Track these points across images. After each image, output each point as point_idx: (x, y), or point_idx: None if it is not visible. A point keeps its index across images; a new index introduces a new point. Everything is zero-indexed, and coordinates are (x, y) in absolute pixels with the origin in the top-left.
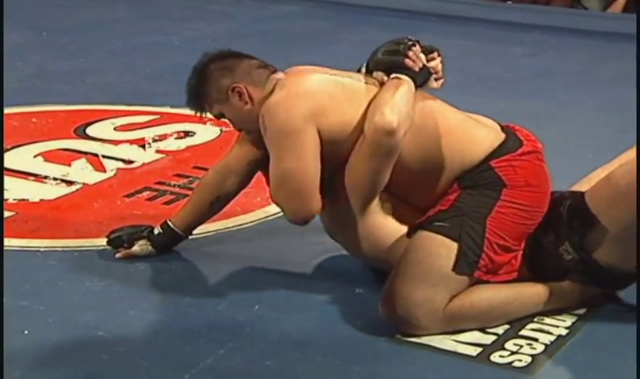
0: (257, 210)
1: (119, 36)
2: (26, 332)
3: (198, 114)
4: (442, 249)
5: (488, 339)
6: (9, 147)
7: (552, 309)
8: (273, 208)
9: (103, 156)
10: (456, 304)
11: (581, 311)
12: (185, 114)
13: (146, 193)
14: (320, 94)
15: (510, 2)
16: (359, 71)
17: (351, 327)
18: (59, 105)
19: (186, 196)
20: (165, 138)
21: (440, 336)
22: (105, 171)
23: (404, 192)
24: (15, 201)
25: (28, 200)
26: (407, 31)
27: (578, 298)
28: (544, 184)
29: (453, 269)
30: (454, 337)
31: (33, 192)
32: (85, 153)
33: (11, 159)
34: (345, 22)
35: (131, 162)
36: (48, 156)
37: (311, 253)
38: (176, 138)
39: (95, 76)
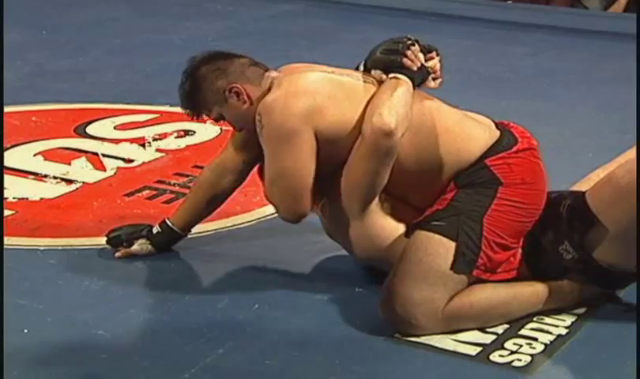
0: (257, 209)
1: (119, 35)
2: (25, 330)
3: (195, 119)
4: (440, 249)
5: (488, 338)
6: (9, 145)
7: (552, 309)
8: (273, 208)
9: (103, 155)
10: (455, 304)
11: (581, 310)
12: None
13: (146, 192)
14: (318, 93)
15: (510, 2)
16: (356, 69)
17: (350, 326)
18: (59, 104)
19: (186, 195)
20: (165, 137)
21: (439, 336)
22: (105, 170)
23: (402, 191)
24: (15, 200)
25: (27, 198)
26: (407, 30)
27: (578, 297)
28: (540, 181)
29: (452, 268)
30: (454, 336)
31: (33, 191)
32: (85, 152)
33: (11, 158)
34: (345, 21)
35: (131, 161)
36: (48, 155)
37: (311, 252)
38: (176, 137)
39: (95, 75)
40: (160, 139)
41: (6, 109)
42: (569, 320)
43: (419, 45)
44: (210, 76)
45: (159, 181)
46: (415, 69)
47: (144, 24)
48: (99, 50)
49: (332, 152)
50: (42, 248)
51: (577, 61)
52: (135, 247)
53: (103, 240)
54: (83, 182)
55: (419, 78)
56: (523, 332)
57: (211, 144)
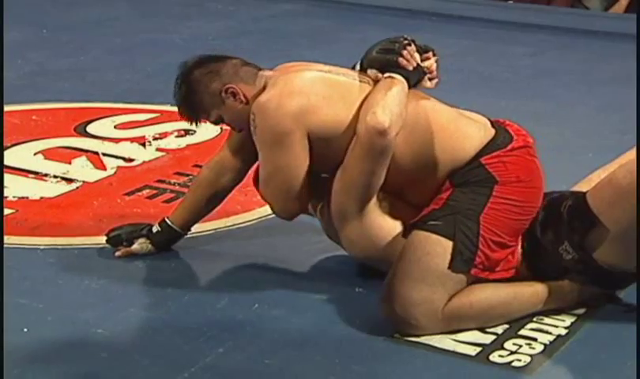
0: (257, 209)
1: (120, 34)
2: (25, 329)
3: (195, 124)
4: (437, 248)
5: (487, 338)
6: (9, 144)
7: (551, 309)
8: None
9: (104, 154)
10: (455, 304)
11: (581, 311)
12: None
13: (146, 191)
14: (312, 93)
15: (510, 2)
16: (353, 68)
17: (350, 326)
18: (59, 103)
19: (185, 194)
20: (165, 136)
21: (439, 336)
22: (105, 169)
23: (399, 189)
24: (15, 199)
25: (28, 197)
26: (407, 30)
27: (577, 297)
28: (536, 179)
29: (450, 267)
30: (453, 336)
31: (33, 189)
32: (86, 151)
33: (11, 157)
34: (345, 21)
35: (131, 160)
36: (48, 154)
37: (311, 251)
38: (176, 136)
39: (95, 74)
40: (161, 138)
41: (7, 108)
42: (568, 320)
43: (415, 45)
44: (204, 80)
45: (159, 181)
46: (410, 68)
47: (144, 24)
48: (100, 49)
49: (327, 152)
50: (42, 247)
51: (578, 62)
52: (135, 246)
53: (103, 239)
54: (83, 181)
55: (414, 78)
56: (523, 332)
57: (211, 143)
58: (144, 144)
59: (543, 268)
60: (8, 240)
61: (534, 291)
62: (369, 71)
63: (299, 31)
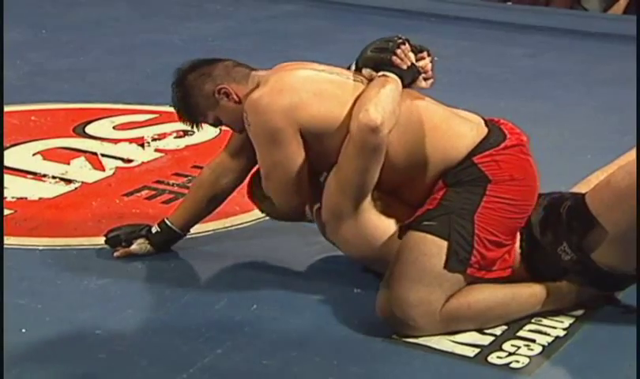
0: (256, 210)
1: (119, 35)
2: (23, 330)
3: (196, 128)
4: (433, 248)
5: (486, 339)
6: (8, 145)
7: (550, 310)
8: None
9: (102, 155)
10: (453, 305)
11: (579, 312)
12: None
13: (145, 192)
14: (303, 90)
15: (509, 3)
16: (348, 68)
17: (348, 327)
18: (58, 103)
19: (185, 195)
20: (164, 137)
21: (437, 337)
22: (104, 170)
23: (393, 188)
24: (14, 199)
25: (26, 198)
26: (405, 31)
27: (576, 299)
28: (529, 177)
29: (446, 267)
30: (452, 338)
31: (32, 190)
32: (84, 152)
33: (10, 157)
34: (344, 22)
35: (130, 161)
36: (47, 155)
37: (309, 252)
38: (175, 137)
39: (94, 75)
40: (159, 139)
41: (6, 108)
42: (567, 321)
43: (409, 44)
44: (197, 83)
45: (158, 182)
46: (404, 67)
47: (144, 24)
48: (99, 49)
49: (321, 149)
50: (40, 247)
51: (577, 63)
52: (134, 247)
53: (101, 240)
54: (82, 182)
55: (408, 77)
56: (521, 333)
57: (210, 144)
58: (143, 145)
59: (541, 269)
60: (7, 240)
61: (532, 292)
62: (363, 70)
63: (297, 31)
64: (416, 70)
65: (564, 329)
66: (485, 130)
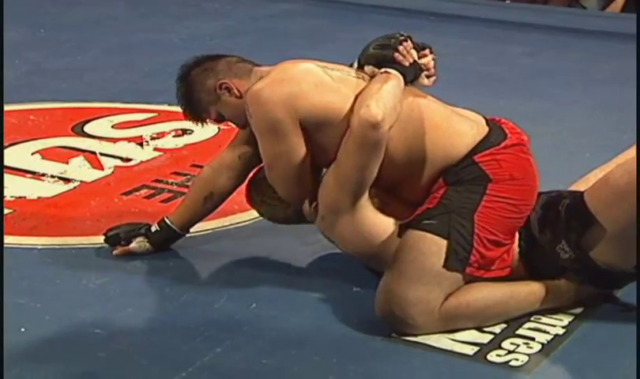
0: None
1: (117, 34)
2: (23, 329)
3: (200, 124)
4: (432, 247)
5: (485, 338)
6: (6, 144)
7: (549, 308)
8: None
9: (101, 154)
10: (452, 303)
11: (578, 310)
12: None
13: (144, 191)
14: (304, 81)
15: (508, 1)
16: (351, 66)
17: (348, 325)
18: (57, 102)
19: (184, 194)
20: (163, 136)
21: (436, 335)
22: (103, 169)
23: (392, 186)
24: (13, 199)
25: (25, 197)
26: (405, 29)
27: (575, 297)
28: (530, 177)
29: (445, 266)
30: (451, 336)
31: (31, 189)
32: (83, 151)
33: (9, 157)
34: (342, 20)
35: (129, 160)
36: (46, 154)
37: (309, 251)
38: (174, 136)
39: (93, 74)
40: (158, 138)
41: (4, 107)
42: (566, 319)
43: (412, 42)
44: (200, 78)
45: (156, 181)
46: (406, 64)
47: (142, 23)
48: (98, 48)
49: (321, 143)
50: (39, 247)
51: (575, 61)
52: (133, 245)
53: (100, 239)
54: (81, 181)
55: (410, 74)
56: (520, 331)
57: (209, 143)
58: (141, 144)
59: (540, 267)
60: (6, 240)
61: (531, 290)
62: (366, 67)
63: (296, 30)
64: (418, 67)
65: (563, 327)
66: (486, 129)
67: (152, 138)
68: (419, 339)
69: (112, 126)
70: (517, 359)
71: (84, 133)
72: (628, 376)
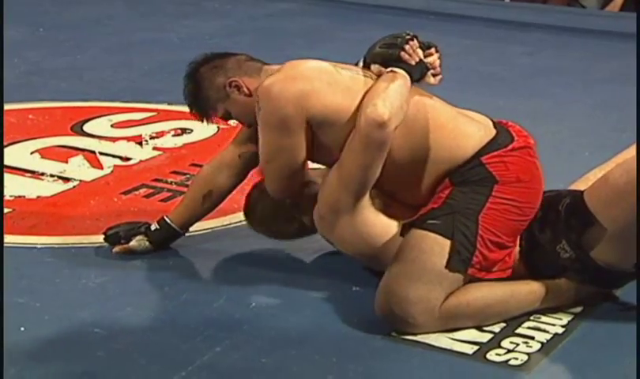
0: None
1: (116, 33)
2: (22, 328)
3: (206, 122)
4: (435, 247)
5: (484, 337)
6: (6, 143)
7: (548, 308)
8: None
9: (100, 153)
10: (452, 302)
11: (578, 309)
12: (182, 111)
13: (143, 190)
14: (316, 79)
15: (508, 1)
16: (356, 65)
17: (347, 325)
18: (56, 102)
19: (183, 193)
20: (162, 135)
21: (436, 334)
22: (102, 168)
23: (394, 187)
24: (12, 198)
25: (24, 196)
26: (405, 29)
27: (574, 296)
28: (535, 180)
29: (447, 267)
30: (450, 335)
31: (30, 188)
32: (82, 150)
33: (8, 156)
34: (342, 20)
35: (128, 159)
36: (45, 153)
37: (308, 250)
38: (173, 135)
39: (92, 73)
40: (157, 137)
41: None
42: (565, 319)
43: (418, 41)
44: (209, 75)
45: (156, 180)
46: (413, 63)
47: (141, 23)
48: (97, 48)
49: (325, 141)
50: (39, 246)
51: (575, 60)
52: (133, 243)
53: (100, 238)
54: (80, 180)
55: (417, 73)
56: (520, 330)
57: (208, 142)
58: (140, 143)
59: (540, 266)
60: (5, 239)
61: (531, 290)
62: (372, 67)
63: (295, 30)
64: (424, 66)
65: (563, 326)
66: (493, 131)
67: (152, 137)
68: (419, 338)
69: (111, 125)
70: (516, 358)
71: (83, 132)
72: (628, 375)
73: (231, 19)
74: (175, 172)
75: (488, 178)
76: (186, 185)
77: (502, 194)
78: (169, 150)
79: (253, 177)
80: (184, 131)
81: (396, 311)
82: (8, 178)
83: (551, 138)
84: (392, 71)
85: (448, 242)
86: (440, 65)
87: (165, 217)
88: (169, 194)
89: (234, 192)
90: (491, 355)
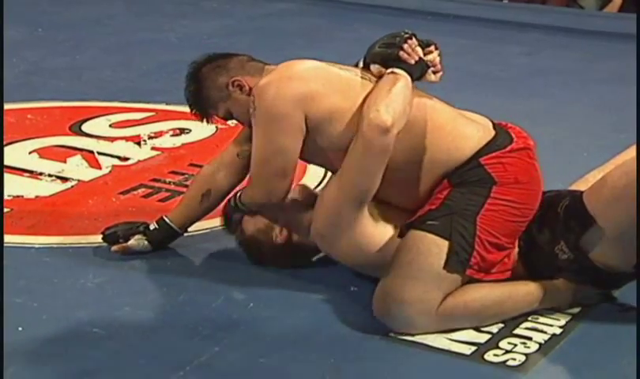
0: None
1: (115, 33)
2: (20, 328)
3: (206, 122)
4: (433, 248)
5: (482, 337)
6: (4, 143)
7: (546, 308)
8: None
9: (99, 153)
10: (450, 303)
11: (576, 310)
12: (180, 111)
13: (141, 190)
14: (312, 80)
15: (506, 1)
16: (356, 65)
17: (345, 325)
18: (55, 101)
19: (182, 193)
20: (161, 135)
21: (434, 335)
22: (100, 168)
23: (391, 190)
24: (10, 198)
25: (23, 196)
26: (402, 28)
27: (572, 297)
28: (534, 181)
29: (445, 267)
30: (448, 336)
31: (28, 188)
32: (81, 150)
33: (6, 156)
34: (340, 20)
35: (126, 159)
36: (43, 153)
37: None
38: (172, 135)
39: (91, 73)
40: (156, 137)
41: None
42: (563, 319)
43: (416, 39)
44: (212, 75)
45: (154, 180)
46: (412, 62)
47: (140, 23)
48: (96, 48)
49: (319, 143)
50: (37, 246)
51: (573, 61)
52: (131, 242)
53: (98, 238)
54: (78, 180)
55: (417, 72)
56: (518, 331)
57: (207, 142)
58: (139, 143)
59: (538, 267)
60: (3, 239)
61: (529, 290)
62: (372, 67)
63: (294, 29)
64: (424, 64)
65: (561, 327)
66: (492, 133)
67: (150, 137)
68: (417, 338)
69: (110, 125)
70: (514, 359)
71: (81, 132)
72: (626, 375)
73: (229, 19)
74: (173, 172)
75: (487, 179)
76: (185, 185)
77: (500, 195)
78: (167, 150)
79: None
80: (183, 131)
81: (393, 311)
82: (6, 177)
83: (549, 139)
84: (392, 72)
85: (446, 243)
86: (440, 62)
87: (164, 217)
88: (167, 194)
89: (232, 192)
90: (489, 356)
